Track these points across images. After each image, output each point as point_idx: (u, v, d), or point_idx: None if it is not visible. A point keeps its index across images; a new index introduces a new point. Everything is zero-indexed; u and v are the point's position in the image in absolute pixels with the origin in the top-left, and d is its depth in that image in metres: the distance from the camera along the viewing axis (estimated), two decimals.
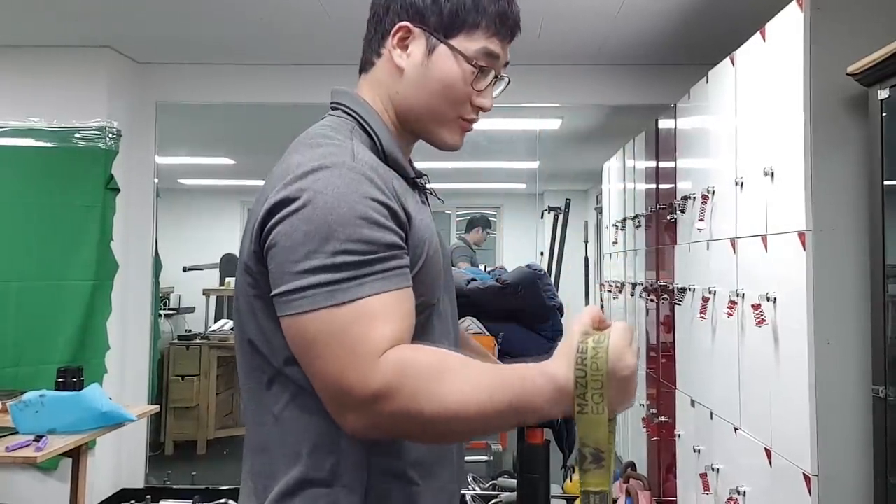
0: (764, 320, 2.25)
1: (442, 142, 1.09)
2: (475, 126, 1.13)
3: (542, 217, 6.33)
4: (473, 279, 2.63)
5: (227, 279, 5.70)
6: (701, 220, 2.87)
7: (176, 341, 5.17)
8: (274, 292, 0.91)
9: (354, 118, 1.05)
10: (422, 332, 1.00)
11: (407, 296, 0.92)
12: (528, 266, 2.62)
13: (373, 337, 0.86)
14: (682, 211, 3.14)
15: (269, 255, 0.92)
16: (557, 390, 0.82)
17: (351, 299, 0.87)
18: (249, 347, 1.00)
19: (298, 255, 0.88)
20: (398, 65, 1.05)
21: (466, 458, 4.79)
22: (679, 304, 3.17)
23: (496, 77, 1.08)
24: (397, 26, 1.05)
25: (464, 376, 0.86)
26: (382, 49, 1.07)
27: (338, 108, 1.07)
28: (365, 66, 1.10)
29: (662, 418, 3.52)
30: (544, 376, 0.83)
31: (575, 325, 0.87)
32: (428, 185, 1.13)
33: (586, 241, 7.21)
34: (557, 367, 0.83)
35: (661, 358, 3.60)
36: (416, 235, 0.97)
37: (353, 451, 0.96)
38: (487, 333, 2.34)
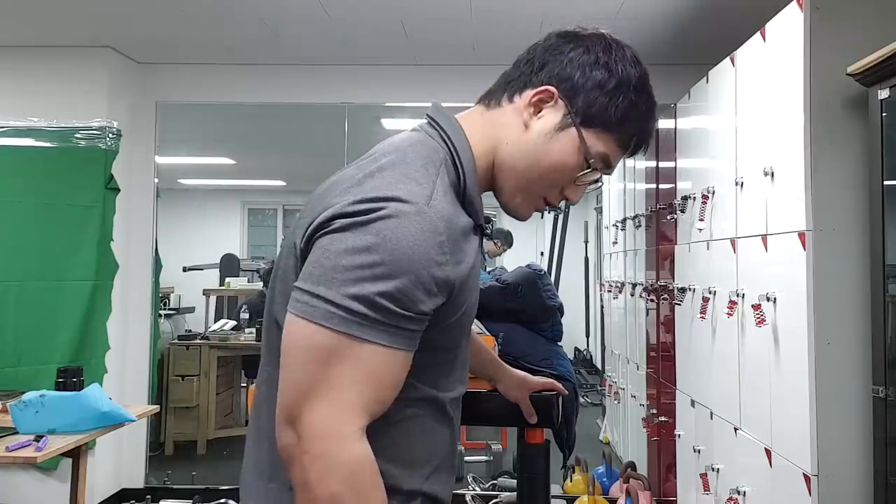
0: (764, 320, 2.25)
1: (515, 210, 1.07)
2: None
3: (542, 217, 6.32)
4: None
5: (227, 279, 5.71)
6: (701, 220, 2.87)
7: (176, 341, 5.16)
8: (297, 284, 0.90)
9: (449, 149, 1.01)
10: (445, 369, 1.02)
11: (407, 361, 0.91)
12: (528, 266, 2.62)
13: (362, 395, 0.87)
14: (682, 211, 3.14)
15: (314, 247, 0.90)
16: None
17: (362, 338, 0.86)
18: (277, 331, 0.98)
19: (338, 268, 0.87)
20: (525, 121, 1.02)
21: (466, 459, 4.80)
22: (679, 304, 3.17)
23: (597, 181, 1.06)
24: (545, 87, 1.02)
25: None
26: (517, 98, 1.04)
27: (435, 129, 1.03)
28: (490, 101, 1.07)
29: (662, 418, 3.52)
30: None
31: None
32: (488, 230, 1.11)
33: (586, 241, 7.21)
34: None
35: (661, 358, 3.60)
36: (464, 290, 0.95)
37: None
38: (487, 333, 2.34)
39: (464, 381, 1.11)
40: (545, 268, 4.71)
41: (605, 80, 1.02)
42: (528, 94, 1.03)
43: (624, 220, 4.50)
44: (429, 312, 0.90)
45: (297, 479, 0.87)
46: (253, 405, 1.08)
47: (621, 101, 1.02)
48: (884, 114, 1.89)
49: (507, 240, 5.68)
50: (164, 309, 5.12)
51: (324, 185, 1.00)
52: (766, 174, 2.28)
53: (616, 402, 4.75)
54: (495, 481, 4.24)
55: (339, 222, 0.88)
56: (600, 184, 1.11)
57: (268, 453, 0.99)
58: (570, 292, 6.78)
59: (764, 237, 2.33)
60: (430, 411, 1.02)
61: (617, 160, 1.06)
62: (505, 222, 7.41)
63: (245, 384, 5.39)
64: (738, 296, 2.48)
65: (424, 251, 0.87)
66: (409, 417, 0.94)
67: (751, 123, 2.49)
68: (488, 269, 4.29)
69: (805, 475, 2.04)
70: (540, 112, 1.02)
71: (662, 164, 3.65)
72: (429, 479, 1.03)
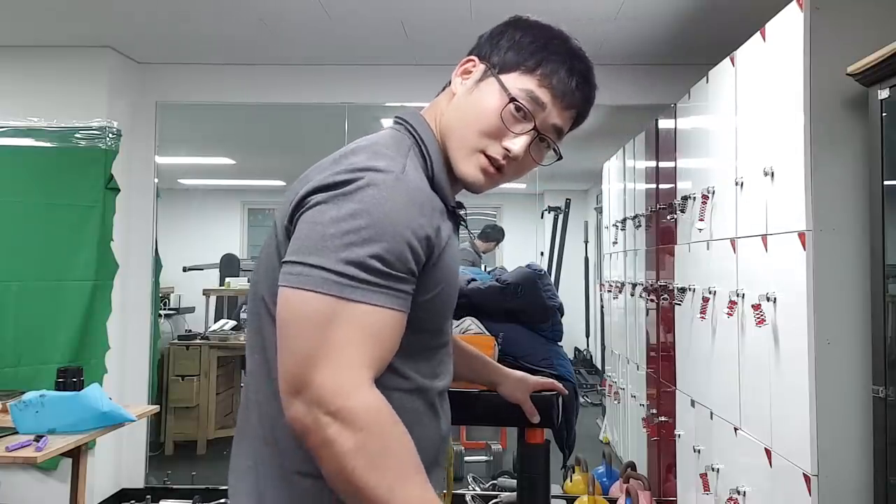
0: (764, 320, 2.25)
1: (459, 170, 1.08)
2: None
3: (542, 217, 6.33)
4: (473, 279, 2.63)
5: (227, 279, 5.71)
6: (701, 220, 2.87)
7: (176, 341, 5.16)
8: (287, 258, 0.92)
9: (414, 137, 1.07)
10: (431, 355, 1.05)
11: (402, 321, 0.94)
12: (528, 266, 2.62)
13: (361, 352, 0.88)
14: (682, 211, 3.14)
15: (298, 222, 0.93)
16: None
17: (356, 300, 0.89)
18: (265, 310, 1.00)
19: (326, 236, 0.89)
20: (453, 90, 1.11)
21: (466, 459, 4.79)
22: (679, 304, 3.17)
23: (535, 129, 1.07)
24: (467, 58, 1.12)
25: (408, 479, 0.88)
26: (451, 79, 1.13)
27: (400, 124, 1.10)
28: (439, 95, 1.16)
29: (662, 418, 3.52)
30: None
31: None
32: (463, 217, 1.14)
33: (586, 241, 7.22)
34: None
35: (661, 358, 3.60)
36: (442, 264, 0.99)
37: None
38: (487, 333, 2.33)
39: (449, 372, 1.12)
40: (545, 268, 4.71)
41: (516, 33, 1.10)
42: (456, 70, 1.12)
43: (624, 220, 4.50)
44: (416, 272, 0.94)
45: (316, 440, 0.87)
46: (240, 409, 1.08)
47: (532, 41, 1.08)
48: (884, 114, 1.89)
49: (496, 235, 5.69)
50: (164, 309, 5.13)
51: (303, 174, 1.03)
52: (766, 174, 2.28)
53: (616, 402, 4.75)
54: (495, 481, 4.24)
55: (320, 195, 0.93)
56: (557, 153, 1.08)
57: (248, 446, 1.02)
58: (570, 292, 6.79)
59: (764, 237, 2.33)
60: (418, 404, 1.03)
61: (551, 101, 1.07)
62: (505, 221, 7.41)
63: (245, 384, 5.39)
64: (738, 296, 2.48)
65: (406, 212, 0.92)
66: (399, 410, 0.94)
67: (751, 123, 2.49)
68: (488, 269, 4.29)
69: (805, 475, 2.04)
70: (466, 78, 1.11)
71: (662, 164, 3.65)
72: None
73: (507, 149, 1.06)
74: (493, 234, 5.69)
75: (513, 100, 1.05)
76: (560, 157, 1.13)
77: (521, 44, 1.08)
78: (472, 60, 1.11)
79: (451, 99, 1.10)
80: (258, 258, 1.05)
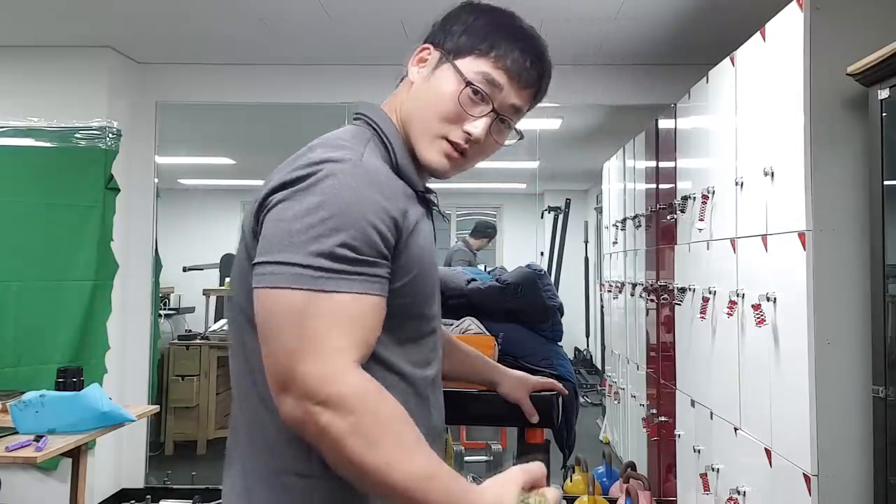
0: (764, 320, 2.25)
1: (423, 157, 1.09)
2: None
3: (542, 217, 6.33)
4: (473, 279, 2.63)
5: (227, 279, 5.69)
6: (701, 220, 2.87)
7: (176, 341, 5.16)
8: (257, 259, 0.92)
9: (374, 128, 1.08)
10: (416, 342, 1.04)
11: (381, 305, 0.94)
12: (528, 266, 2.62)
13: (341, 339, 0.88)
14: (682, 211, 3.14)
15: (263, 223, 0.94)
16: None
17: (330, 290, 0.89)
18: (241, 316, 1.01)
19: (292, 232, 0.90)
20: (411, 79, 1.12)
21: (466, 459, 4.78)
22: (679, 304, 3.17)
23: (494, 111, 1.08)
24: (420, 46, 1.13)
25: (408, 449, 0.88)
26: (407, 69, 1.13)
27: (359, 119, 1.12)
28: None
29: (662, 418, 3.52)
30: None
31: (512, 478, 0.93)
32: (434, 201, 1.15)
33: (586, 241, 7.22)
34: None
35: (661, 358, 3.60)
36: (412, 247, 0.99)
37: None
38: (487, 333, 2.33)
39: (439, 359, 1.13)
40: (545, 268, 4.71)
41: (468, 17, 1.11)
42: (412, 59, 1.13)
43: (624, 220, 4.50)
44: (387, 254, 0.94)
45: (312, 431, 0.87)
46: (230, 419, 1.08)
47: (484, 24, 1.09)
48: (884, 114, 1.89)
49: (487, 231, 5.69)
50: (164, 309, 5.12)
51: (268, 177, 1.04)
52: (766, 174, 2.28)
53: (616, 402, 4.75)
54: None
55: (281, 193, 0.93)
56: (518, 132, 1.09)
57: (237, 447, 1.03)
58: (570, 292, 6.79)
59: (764, 237, 2.33)
60: (408, 396, 1.03)
61: (507, 82, 1.08)
62: (505, 221, 7.41)
63: None
64: (738, 296, 2.48)
65: (367, 197, 0.93)
66: None
67: (751, 123, 2.49)
68: (488, 269, 4.29)
69: (805, 475, 2.04)
70: (423, 67, 1.12)
71: (662, 164, 3.65)
72: None
73: (468, 132, 1.07)
74: (485, 230, 5.68)
75: (469, 84, 1.06)
76: (521, 137, 1.15)
77: (473, 28, 1.09)
78: (427, 48, 1.12)
79: (410, 88, 1.11)
80: (232, 268, 1.05)
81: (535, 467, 0.95)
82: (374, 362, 0.95)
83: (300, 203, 0.91)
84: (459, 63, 1.07)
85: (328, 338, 0.88)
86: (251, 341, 0.98)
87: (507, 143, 1.14)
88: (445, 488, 0.88)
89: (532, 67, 1.10)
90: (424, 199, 1.11)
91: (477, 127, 1.07)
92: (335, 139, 1.02)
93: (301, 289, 0.88)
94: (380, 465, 0.85)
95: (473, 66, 1.07)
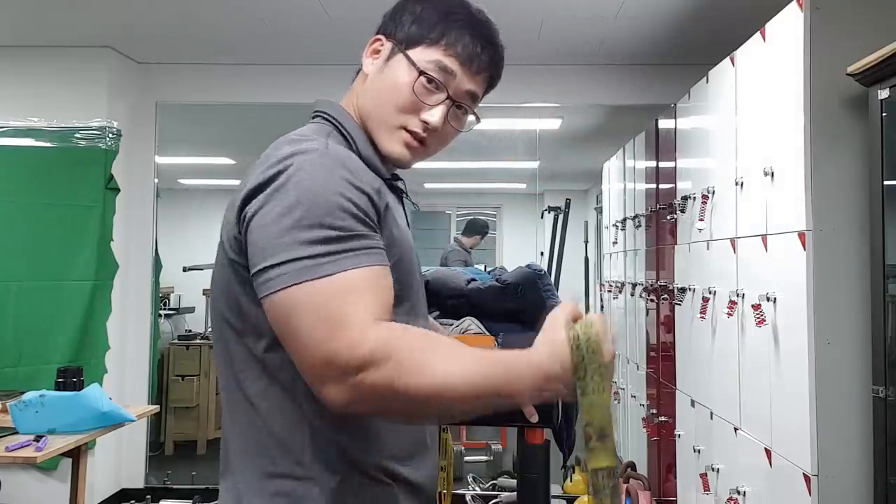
0: (764, 320, 2.25)
1: (384, 149, 1.10)
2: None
3: (542, 217, 6.33)
4: (473, 279, 2.63)
5: None
6: (701, 220, 2.86)
7: (176, 341, 5.17)
8: (254, 270, 0.93)
9: (332, 123, 1.09)
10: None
11: (385, 272, 0.95)
12: (528, 266, 2.62)
13: (356, 307, 0.88)
14: (682, 211, 3.14)
15: (248, 233, 0.94)
16: (544, 378, 0.90)
17: (331, 273, 0.89)
18: (227, 327, 1.01)
19: (278, 233, 0.91)
20: (365, 72, 1.13)
21: (466, 459, 4.79)
22: (679, 304, 3.17)
23: (450, 98, 1.09)
24: (373, 38, 1.14)
25: (451, 355, 0.90)
26: (361, 62, 1.15)
27: (317, 116, 1.12)
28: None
29: (662, 418, 3.52)
30: (531, 367, 0.90)
31: (556, 319, 0.94)
32: (403, 188, 1.16)
33: (586, 241, 7.21)
34: (541, 356, 0.91)
35: (661, 358, 3.60)
36: (393, 227, 1.01)
37: (324, 445, 0.98)
38: (487, 333, 2.33)
39: None
40: (545, 268, 4.71)
41: (417, 7, 1.11)
42: (365, 51, 1.14)
43: (624, 220, 4.50)
44: (370, 225, 0.95)
45: (369, 398, 0.87)
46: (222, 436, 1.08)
47: (432, 12, 1.10)
48: (884, 114, 1.89)
49: (479, 228, 5.68)
50: (164, 309, 5.12)
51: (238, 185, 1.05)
52: (766, 174, 2.28)
53: (616, 402, 4.75)
54: (495, 481, 4.24)
55: (258, 199, 0.94)
56: (474, 116, 1.12)
57: (227, 451, 1.03)
58: (570, 292, 6.77)
59: (764, 237, 2.33)
60: None
61: (459, 68, 1.09)
62: (505, 221, 7.41)
63: None
64: (738, 296, 2.48)
65: (335, 182, 0.94)
66: None
67: (751, 123, 2.49)
68: (488, 269, 4.29)
69: (805, 475, 2.04)
70: (376, 58, 1.13)
71: (662, 164, 3.65)
72: (406, 464, 1.04)
73: (425, 121, 1.08)
74: (476, 228, 5.67)
75: (422, 73, 1.07)
76: (478, 120, 1.16)
77: (422, 17, 1.10)
78: (380, 39, 1.13)
79: (365, 81, 1.12)
80: (212, 280, 1.05)
81: (568, 304, 0.97)
82: None
83: (280, 201, 0.92)
84: (412, 53, 1.08)
85: (344, 314, 0.88)
86: (233, 343, 1.00)
87: (465, 129, 1.15)
88: (504, 365, 0.90)
89: (483, 52, 1.10)
90: (393, 186, 1.12)
91: (434, 115, 1.08)
92: (297, 136, 1.03)
93: (306, 281, 0.88)
94: (437, 383, 0.86)
95: (425, 55, 1.08)
